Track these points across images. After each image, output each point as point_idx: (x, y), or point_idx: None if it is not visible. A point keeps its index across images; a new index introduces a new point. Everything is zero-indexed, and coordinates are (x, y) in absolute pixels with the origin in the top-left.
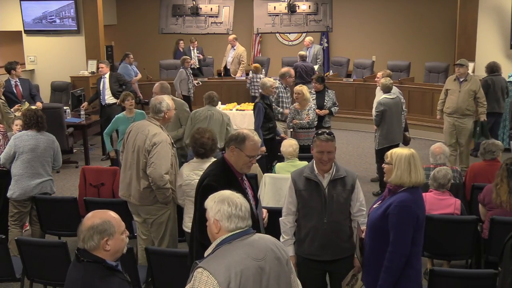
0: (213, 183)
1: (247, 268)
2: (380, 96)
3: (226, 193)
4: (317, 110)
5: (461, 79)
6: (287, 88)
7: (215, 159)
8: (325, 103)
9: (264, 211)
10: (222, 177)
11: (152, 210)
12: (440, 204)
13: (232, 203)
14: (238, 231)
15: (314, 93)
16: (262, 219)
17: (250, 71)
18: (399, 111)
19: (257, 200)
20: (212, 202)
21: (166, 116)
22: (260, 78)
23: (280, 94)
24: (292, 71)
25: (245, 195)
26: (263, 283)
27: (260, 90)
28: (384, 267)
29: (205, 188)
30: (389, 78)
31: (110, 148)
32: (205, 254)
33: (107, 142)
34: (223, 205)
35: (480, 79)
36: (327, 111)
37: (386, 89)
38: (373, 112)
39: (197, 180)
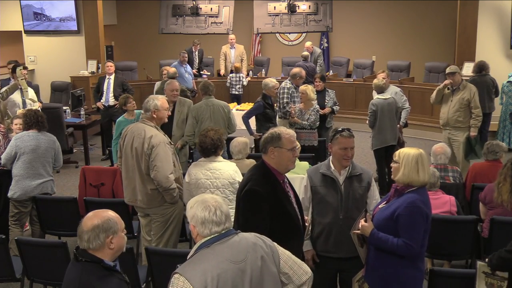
0: (256, 187)
1: (224, 272)
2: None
3: (203, 197)
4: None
5: (454, 87)
6: (297, 88)
7: (223, 158)
8: (326, 103)
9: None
10: (264, 181)
11: (160, 210)
12: (436, 203)
13: (205, 208)
14: (215, 235)
15: (315, 93)
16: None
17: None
18: (392, 112)
19: (299, 203)
20: (189, 207)
21: (155, 115)
22: (239, 77)
23: (293, 94)
24: (303, 72)
25: (287, 198)
26: (246, 285)
27: (263, 91)
28: (391, 241)
29: (248, 193)
30: (381, 78)
31: (116, 161)
32: (187, 258)
33: (114, 152)
34: (197, 210)
35: (467, 79)
36: (329, 109)
37: (379, 89)
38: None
39: (204, 180)
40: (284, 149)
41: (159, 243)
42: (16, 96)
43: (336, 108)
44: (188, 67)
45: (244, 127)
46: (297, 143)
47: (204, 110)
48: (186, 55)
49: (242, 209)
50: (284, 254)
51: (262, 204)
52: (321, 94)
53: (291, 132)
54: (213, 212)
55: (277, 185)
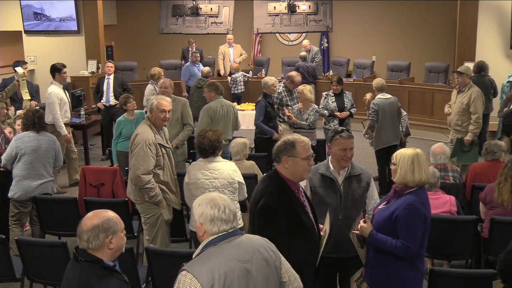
0: (271, 202)
1: (231, 270)
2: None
3: (211, 195)
4: (337, 113)
5: (460, 88)
6: (293, 91)
7: (222, 158)
8: (345, 105)
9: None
10: (279, 194)
11: (144, 209)
12: (436, 203)
13: (215, 205)
14: (223, 233)
15: (333, 95)
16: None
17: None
18: (394, 112)
19: (314, 212)
20: (197, 205)
21: (151, 114)
22: (242, 75)
23: (283, 99)
24: (298, 78)
25: (303, 209)
26: (250, 285)
27: (263, 90)
28: (389, 242)
29: (263, 208)
30: (380, 78)
31: (116, 161)
32: (193, 256)
33: (114, 152)
34: (206, 208)
35: None
36: (347, 113)
37: (380, 89)
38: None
39: (203, 180)
40: (298, 158)
41: (153, 245)
42: (63, 94)
43: (354, 110)
44: (201, 66)
45: (244, 127)
46: (311, 151)
47: (219, 110)
48: (198, 55)
49: (259, 224)
50: (286, 263)
51: (278, 218)
52: (339, 97)
53: (306, 139)
54: (223, 210)
55: (292, 197)
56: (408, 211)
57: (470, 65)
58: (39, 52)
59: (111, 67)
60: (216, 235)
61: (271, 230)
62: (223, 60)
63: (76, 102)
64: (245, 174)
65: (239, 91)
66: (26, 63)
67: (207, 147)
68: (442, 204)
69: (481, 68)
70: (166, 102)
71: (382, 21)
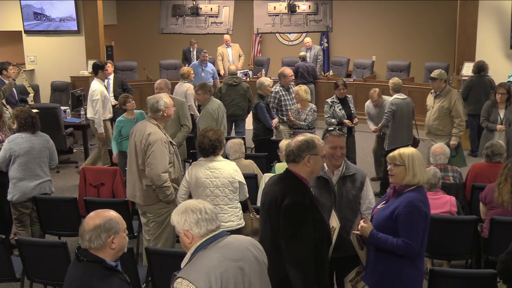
0: (299, 199)
1: (226, 270)
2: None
3: (186, 203)
4: (346, 122)
5: (437, 93)
6: (290, 89)
7: (223, 157)
8: (352, 111)
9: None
10: (302, 192)
11: (155, 209)
12: (436, 203)
13: (195, 209)
14: (211, 235)
15: (338, 101)
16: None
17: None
18: (410, 112)
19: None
20: (177, 216)
21: (165, 114)
22: (244, 73)
23: (281, 98)
24: (287, 71)
25: (320, 206)
26: (245, 283)
27: (258, 91)
28: (390, 241)
29: (292, 206)
30: (397, 78)
31: (116, 150)
32: (182, 265)
33: (114, 145)
34: (187, 213)
35: (465, 79)
36: (357, 121)
37: (397, 89)
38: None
39: (204, 179)
40: (319, 156)
41: (156, 244)
42: (106, 92)
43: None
44: (209, 66)
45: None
46: None
47: (218, 111)
48: (207, 55)
49: (287, 223)
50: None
51: (307, 215)
52: (344, 102)
53: (319, 137)
54: (204, 212)
55: (311, 195)
56: (409, 209)
57: (470, 65)
58: (39, 52)
59: (109, 67)
60: (204, 239)
61: (301, 228)
62: (222, 60)
63: (76, 102)
64: (245, 174)
65: None
66: (10, 64)
67: (207, 147)
68: (442, 204)
69: (481, 69)
70: (170, 98)
71: (382, 21)
